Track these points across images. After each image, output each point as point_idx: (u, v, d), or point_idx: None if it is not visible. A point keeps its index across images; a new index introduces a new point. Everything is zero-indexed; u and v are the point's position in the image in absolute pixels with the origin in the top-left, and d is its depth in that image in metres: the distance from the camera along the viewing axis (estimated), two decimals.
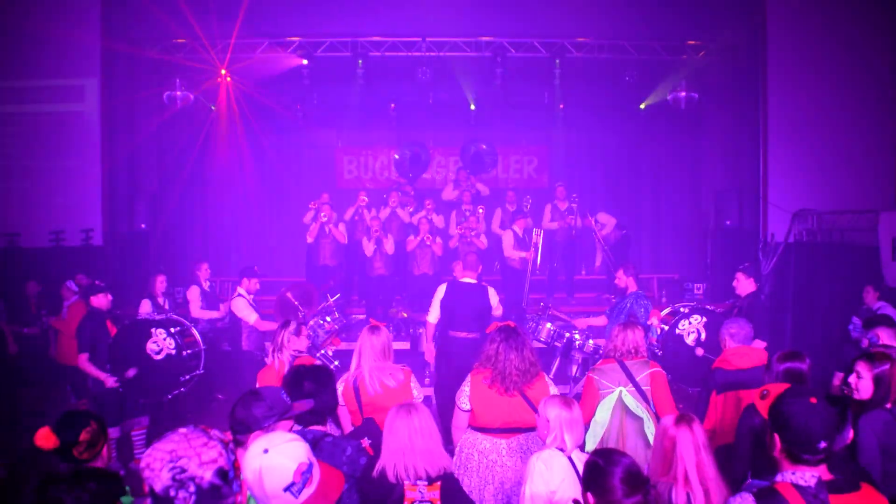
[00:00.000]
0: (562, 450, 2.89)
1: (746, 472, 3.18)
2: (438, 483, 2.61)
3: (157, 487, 1.53)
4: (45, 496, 2.12)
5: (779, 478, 2.12)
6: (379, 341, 3.78)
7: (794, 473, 2.08)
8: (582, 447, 3.05)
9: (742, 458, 3.23)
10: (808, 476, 2.06)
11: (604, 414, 3.78)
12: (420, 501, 2.56)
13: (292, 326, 4.29)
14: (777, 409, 2.14)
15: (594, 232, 9.75)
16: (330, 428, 3.32)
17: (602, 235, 9.77)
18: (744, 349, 4.04)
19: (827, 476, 2.08)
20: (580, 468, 2.81)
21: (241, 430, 2.53)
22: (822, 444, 2.04)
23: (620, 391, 3.82)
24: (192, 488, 1.52)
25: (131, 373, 5.62)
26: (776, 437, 2.12)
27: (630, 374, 3.88)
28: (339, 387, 3.72)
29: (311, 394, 2.85)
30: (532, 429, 3.61)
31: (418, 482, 2.58)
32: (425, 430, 2.68)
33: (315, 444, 2.77)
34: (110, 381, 5.53)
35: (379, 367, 3.73)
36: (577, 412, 2.94)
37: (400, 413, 2.71)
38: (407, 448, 2.63)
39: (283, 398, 2.63)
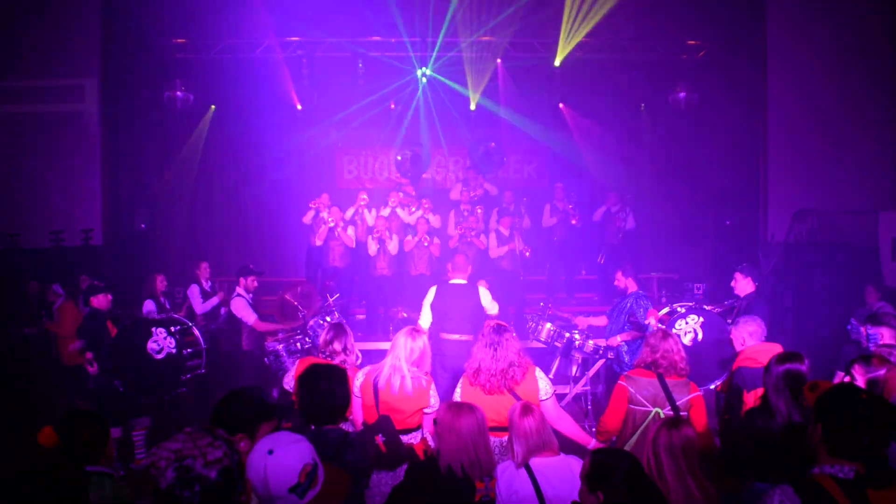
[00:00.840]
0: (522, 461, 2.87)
1: (748, 474, 3.15)
2: (496, 478, 2.74)
3: (162, 486, 1.54)
4: (13, 491, 2.12)
5: (817, 470, 2.12)
6: (416, 346, 3.72)
7: (832, 466, 2.08)
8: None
9: (746, 459, 3.18)
10: (847, 469, 2.06)
11: (634, 440, 3.57)
12: (486, 495, 2.67)
13: (350, 334, 4.11)
14: (826, 401, 2.15)
15: (620, 220, 9.63)
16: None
17: (622, 227, 9.74)
18: (766, 346, 3.97)
19: (862, 470, 2.08)
20: (540, 476, 2.79)
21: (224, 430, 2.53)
22: (866, 440, 2.05)
23: (657, 413, 3.57)
24: (196, 487, 1.53)
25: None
26: (819, 427, 2.13)
27: (670, 394, 3.59)
28: (360, 377, 3.69)
29: (327, 393, 2.85)
30: None
31: (485, 477, 2.69)
32: (486, 428, 2.77)
33: (342, 441, 2.80)
34: (94, 368, 5.58)
35: (407, 369, 3.68)
36: (528, 422, 2.89)
37: (463, 411, 2.77)
38: (472, 445, 2.71)
39: (265, 399, 2.63)
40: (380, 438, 3.19)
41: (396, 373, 3.65)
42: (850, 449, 2.07)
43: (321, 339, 4.08)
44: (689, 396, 3.63)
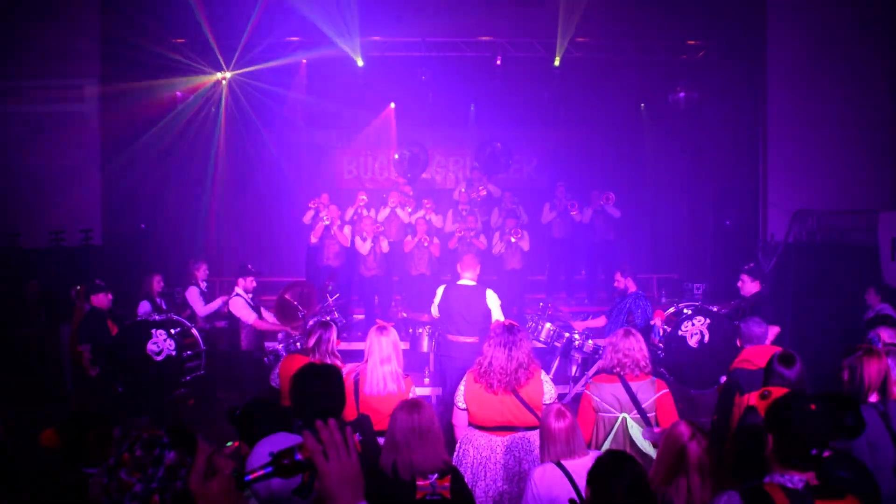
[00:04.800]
0: (556, 462, 2.87)
1: (747, 474, 3.15)
2: (449, 476, 2.64)
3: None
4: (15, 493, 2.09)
5: (767, 479, 2.12)
6: (387, 342, 3.75)
7: (783, 476, 2.08)
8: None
9: (741, 461, 3.18)
10: (796, 479, 2.06)
11: (607, 445, 3.57)
12: (431, 494, 2.58)
13: (335, 330, 4.09)
14: (775, 412, 2.14)
15: (602, 206, 9.59)
16: None
17: (611, 218, 9.72)
18: (764, 348, 3.96)
19: (814, 481, 2.08)
20: (577, 479, 2.79)
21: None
22: (814, 451, 2.04)
23: (624, 418, 3.56)
24: None
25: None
26: (770, 437, 2.12)
27: (635, 397, 3.57)
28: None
29: (320, 393, 2.83)
30: (529, 428, 3.62)
31: (430, 475, 2.60)
32: (425, 428, 2.66)
33: None
34: (92, 371, 5.57)
35: (384, 368, 3.70)
36: (561, 426, 2.91)
37: (403, 411, 2.72)
38: (404, 444, 2.63)
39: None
40: (357, 437, 3.18)
41: (379, 375, 3.68)
42: (799, 461, 2.06)
43: (311, 341, 4.06)
44: (655, 396, 3.60)
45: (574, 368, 6.56)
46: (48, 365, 7.44)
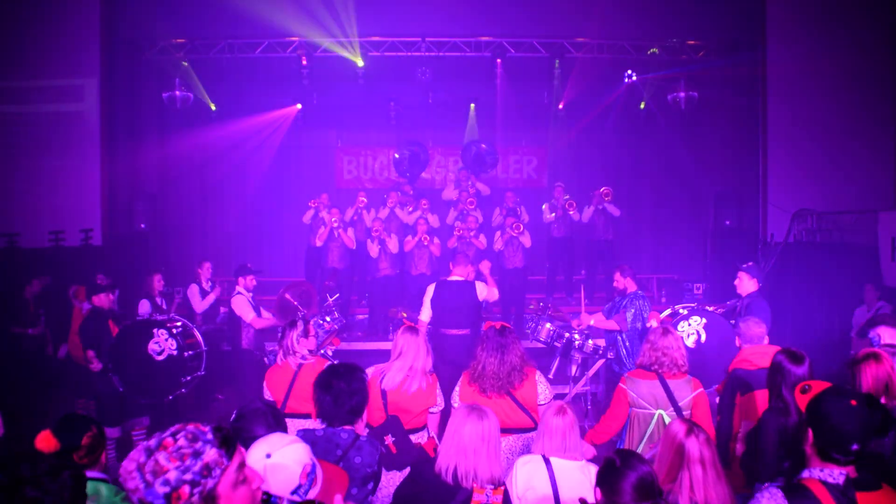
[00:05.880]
0: (544, 456, 2.88)
1: (773, 474, 3.12)
2: (503, 488, 2.61)
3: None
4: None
5: (806, 474, 2.12)
6: (411, 340, 3.77)
7: (822, 470, 2.08)
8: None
9: (769, 461, 3.09)
10: (836, 474, 2.06)
11: (643, 445, 3.54)
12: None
13: (300, 328, 4.12)
14: (816, 407, 2.13)
15: (602, 204, 9.57)
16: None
17: (611, 218, 9.69)
18: (762, 348, 3.95)
19: (854, 474, 2.08)
20: (560, 477, 2.80)
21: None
22: (855, 447, 2.04)
23: (660, 415, 3.55)
24: None
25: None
26: (810, 432, 2.11)
27: (672, 395, 3.56)
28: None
29: (350, 393, 2.83)
30: (525, 430, 3.62)
31: (486, 486, 2.58)
32: (493, 437, 2.65)
33: (352, 443, 2.78)
34: (96, 365, 5.58)
35: (413, 368, 3.70)
36: (557, 422, 2.92)
37: (471, 417, 2.67)
38: (472, 452, 2.60)
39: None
40: (389, 439, 3.19)
41: (412, 375, 3.67)
42: (839, 456, 2.06)
43: (286, 343, 4.07)
44: (692, 395, 3.59)
45: (574, 368, 6.55)
46: (49, 365, 7.44)
